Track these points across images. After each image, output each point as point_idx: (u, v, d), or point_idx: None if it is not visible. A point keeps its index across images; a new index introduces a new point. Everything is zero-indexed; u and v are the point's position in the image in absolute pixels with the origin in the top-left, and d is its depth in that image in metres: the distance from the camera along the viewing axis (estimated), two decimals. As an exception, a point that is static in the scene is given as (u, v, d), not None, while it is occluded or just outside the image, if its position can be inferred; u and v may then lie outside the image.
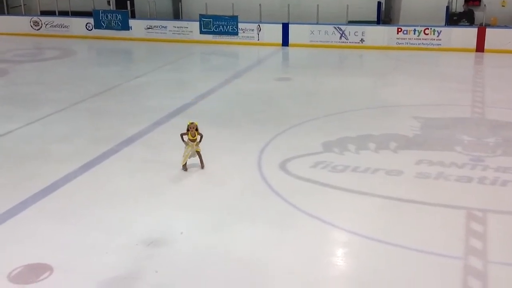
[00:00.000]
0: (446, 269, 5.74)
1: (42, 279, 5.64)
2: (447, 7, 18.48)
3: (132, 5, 21.51)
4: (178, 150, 8.30)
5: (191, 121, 8.12)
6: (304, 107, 11.53)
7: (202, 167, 8.25)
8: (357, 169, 8.29)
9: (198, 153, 8.20)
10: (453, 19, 18.90)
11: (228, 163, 8.53)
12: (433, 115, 10.72)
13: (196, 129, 8.08)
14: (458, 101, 11.80)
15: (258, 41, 18.88)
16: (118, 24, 20.07)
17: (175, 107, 11.60)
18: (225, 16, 19.07)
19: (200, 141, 8.14)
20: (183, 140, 8.10)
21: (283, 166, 8.40)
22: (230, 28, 19.05)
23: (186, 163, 8.19)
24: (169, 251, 6.17)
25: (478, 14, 18.52)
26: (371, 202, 7.29)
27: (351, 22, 18.77)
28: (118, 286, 5.55)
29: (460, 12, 19.32)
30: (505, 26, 17.99)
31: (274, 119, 10.74)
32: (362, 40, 18.00)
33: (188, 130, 8.04)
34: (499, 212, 6.95)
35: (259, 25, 18.86)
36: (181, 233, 6.54)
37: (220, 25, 19.09)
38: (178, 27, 19.81)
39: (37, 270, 5.78)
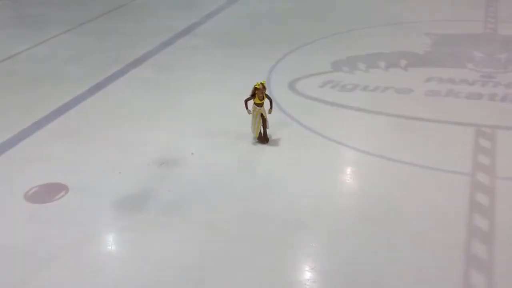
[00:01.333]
0: (454, 185, 5.82)
1: (58, 198, 5.82)
2: None
3: None
4: (188, 70, 8.26)
5: (259, 82, 6.60)
6: (314, 26, 11.29)
7: (267, 140, 6.77)
8: (366, 88, 8.25)
9: (264, 120, 6.71)
10: None
11: (236, 82, 8.50)
12: (444, 32, 10.50)
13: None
14: (471, 16, 11.49)
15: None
16: None
17: (182, 27, 11.44)
18: None
19: (271, 107, 6.68)
20: (246, 108, 6.64)
21: (292, 86, 8.37)
22: None
23: (260, 132, 6.75)
24: (181, 170, 6.29)
25: None
26: (381, 121, 7.30)
27: None
28: (132, 204, 5.72)
29: None
30: None
31: (283, 38, 10.58)
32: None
33: (254, 93, 6.59)
34: (507, 128, 6.96)
35: None
36: (192, 153, 6.64)
37: None
38: None
39: (52, 190, 5.95)
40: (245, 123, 6.79)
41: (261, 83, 6.58)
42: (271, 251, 4.94)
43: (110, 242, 5.33)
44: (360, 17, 11.78)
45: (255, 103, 6.63)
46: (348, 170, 6.38)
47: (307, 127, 7.15)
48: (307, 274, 4.68)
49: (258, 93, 6.57)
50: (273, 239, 5.10)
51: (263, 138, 6.76)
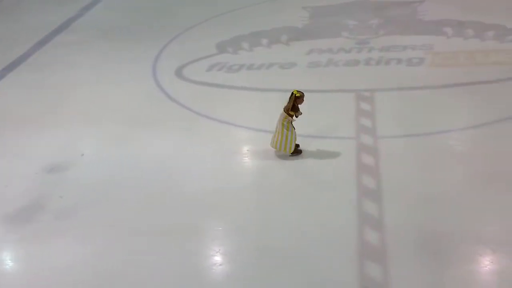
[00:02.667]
0: (342, 150, 6.17)
1: None
2: None
3: None
4: (69, 68, 8.02)
5: (296, 90, 5.95)
6: (195, 9, 11.30)
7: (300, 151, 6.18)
8: (252, 66, 8.47)
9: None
10: None
11: (122, 75, 8.39)
12: (319, 4, 10.92)
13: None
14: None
15: None
16: None
17: (58, 22, 11.03)
18: None
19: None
20: (296, 114, 5.97)
21: (179, 72, 8.41)
22: None
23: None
24: (72, 174, 6.17)
25: None
26: (270, 97, 7.54)
27: None
28: (21, 217, 5.52)
29: None
30: None
31: (165, 24, 10.54)
32: None
33: (294, 105, 5.89)
34: (384, 89, 7.45)
35: None
36: (82, 155, 6.53)
37: None
38: None
39: None
40: (137, 116, 6.76)
41: (297, 91, 5.95)
42: (176, 239, 5.03)
43: (4, 259, 5.13)
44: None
45: (290, 115, 5.95)
46: (244, 149, 6.56)
47: (198, 112, 7.26)
48: (214, 258, 4.82)
49: (299, 101, 5.95)
50: (176, 227, 5.19)
51: (297, 150, 6.17)
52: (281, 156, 6.17)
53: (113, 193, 5.81)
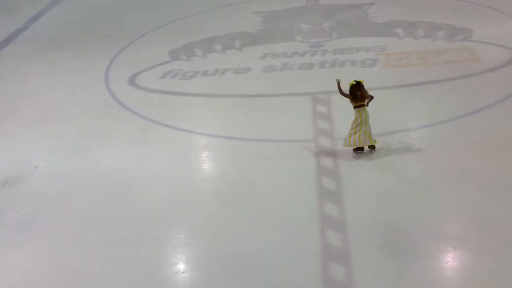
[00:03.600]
0: (301, 153, 6.11)
1: None
2: None
3: None
4: (19, 81, 7.77)
5: (353, 81, 5.82)
6: (146, 16, 11.17)
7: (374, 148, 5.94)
8: (206, 72, 8.38)
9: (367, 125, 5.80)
10: None
11: (73, 85, 8.17)
12: (271, 8, 10.93)
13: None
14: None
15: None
16: None
17: (5, 34, 10.69)
18: None
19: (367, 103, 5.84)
20: (367, 101, 5.82)
21: (132, 81, 8.24)
22: None
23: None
24: (27, 187, 5.96)
25: None
26: (225, 103, 7.48)
27: None
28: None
29: None
30: None
31: (116, 32, 10.36)
32: None
33: (355, 94, 5.77)
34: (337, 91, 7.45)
35: None
36: (36, 167, 6.31)
37: None
38: None
39: None
40: (90, 126, 6.58)
41: (355, 81, 5.80)
42: (136, 250, 4.88)
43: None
44: (190, 3, 11.83)
45: (356, 106, 5.82)
46: (201, 156, 6.47)
47: (153, 120, 7.11)
48: (176, 266, 4.69)
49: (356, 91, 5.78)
50: (135, 237, 5.04)
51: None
52: (239, 161, 6.09)
53: (69, 205, 5.62)
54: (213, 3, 11.73)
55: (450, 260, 4.45)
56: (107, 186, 5.88)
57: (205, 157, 6.43)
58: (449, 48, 8.26)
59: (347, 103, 7.06)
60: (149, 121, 7.10)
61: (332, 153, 6.08)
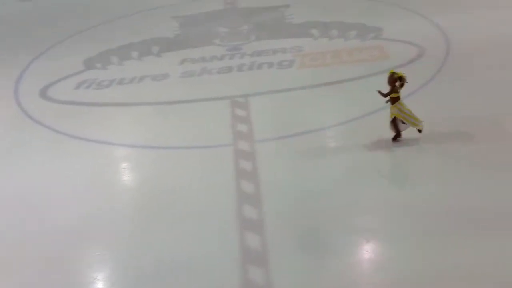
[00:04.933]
0: (221, 157, 6.13)
1: None
2: None
3: None
4: None
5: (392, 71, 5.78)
6: (56, 26, 10.82)
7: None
8: (123, 81, 8.22)
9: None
10: None
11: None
12: (189, 12, 10.88)
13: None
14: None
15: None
16: None
17: None
18: None
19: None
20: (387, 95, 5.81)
21: (43, 93, 7.95)
22: None
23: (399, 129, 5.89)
24: None
25: None
26: (143, 111, 7.37)
27: None
28: None
29: None
30: None
31: (25, 44, 9.97)
32: None
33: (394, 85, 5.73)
34: (257, 94, 7.52)
35: None
36: None
37: None
38: None
39: None
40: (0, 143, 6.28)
41: (393, 72, 5.72)
42: (50, 271, 4.70)
43: None
44: (106, 10, 11.59)
45: (394, 98, 5.74)
46: (119, 168, 6.33)
47: (67, 133, 6.88)
48: (93, 285, 4.55)
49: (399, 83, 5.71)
50: (53, 256, 4.85)
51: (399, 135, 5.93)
52: (159, 171, 6.01)
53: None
54: (130, 9, 11.55)
55: (365, 253, 4.58)
56: (17, 205, 5.64)
57: (123, 168, 6.30)
58: (361, 47, 8.50)
59: (265, 105, 7.20)
60: (62, 134, 6.86)
61: (251, 156, 6.11)
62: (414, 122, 5.83)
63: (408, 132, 5.90)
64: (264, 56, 8.65)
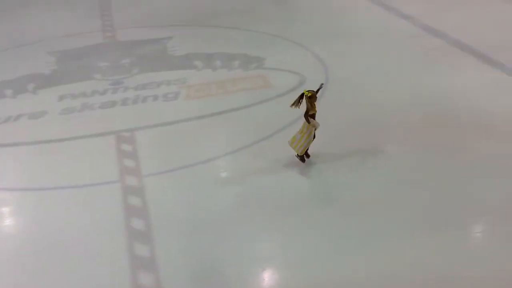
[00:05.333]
0: (108, 196, 5.90)
1: None
2: None
3: None
4: None
5: (306, 90, 5.78)
6: None
7: (308, 156, 6.07)
8: (-4, 120, 7.71)
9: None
10: None
11: None
12: (67, 47, 10.49)
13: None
14: (89, 27, 11.75)
15: None
16: None
17: None
18: None
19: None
20: (309, 120, 5.75)
21: None
22: None
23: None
24: None
25: None
26: (20, 152, 6.92)
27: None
28: None
29: None
30: None
31: None
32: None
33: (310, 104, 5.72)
34: (143, 127, 7.37)
35: None
36: None
37: None
38: None
39: None
40: None
41: (307, 91, 5.74)
42: None
43: None
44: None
45: (310, 116, 5.73)
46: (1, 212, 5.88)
47: None
48: None
49: (313, 101, 5.71)
50: None
51: (306, 154, 6.05)
52: (39, 215, 5.66)
53: None
54: (1, 44, 10.92)
55: (262, 281, 4.57)
56: None
57: (2, 214, 5.85)
58: (244, 76, 8.65)
59: (152, 139, 7.06)
60: None
61: (140, 192, 5.93)
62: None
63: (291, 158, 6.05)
64: (148, 89, 8.51)
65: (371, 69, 8.42)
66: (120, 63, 9.71)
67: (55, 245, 5.16)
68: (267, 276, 4.64)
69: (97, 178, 6.24)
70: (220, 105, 7.75)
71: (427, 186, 5.55)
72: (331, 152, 6.24)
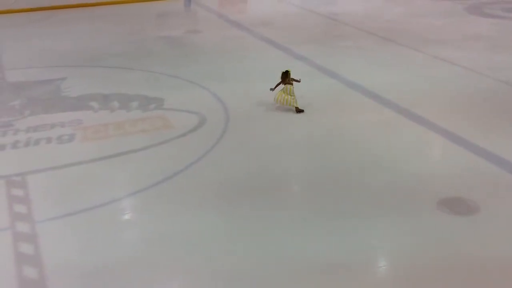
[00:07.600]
0: (-5, 245, 5.50)
1: None
2: None
3: None
4: None
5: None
6: None
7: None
8: None
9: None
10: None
11: None
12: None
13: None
14: None
15: None
16: None
17: None
18: None
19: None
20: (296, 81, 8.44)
21: None
22: None
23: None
24: None
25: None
26: None
27: None
28: None
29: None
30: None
31: None
32: None
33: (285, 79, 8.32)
34: (36, 171, 6.99)
35: None
36: None
37: None
38: None
39: None
40: None
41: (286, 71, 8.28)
42: None
43: None
44: None
45: (286, 84, 8.28)
46: None
47: None
48: None
49: (289, 77, 8.29)
50: None
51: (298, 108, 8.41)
52: None
53: None
54: None
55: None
56: None
57: None
58: (143, 117, 8.52)
59: (46, 183, 6.74)
60: None
61: (32, 239, 5.58)
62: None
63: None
64: (40, 131, 8.12)
65: (272, 108, 8.65)
66: (10, 104, 9.22)
67: None
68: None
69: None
70: (119, 147, 7.56)
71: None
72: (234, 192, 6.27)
